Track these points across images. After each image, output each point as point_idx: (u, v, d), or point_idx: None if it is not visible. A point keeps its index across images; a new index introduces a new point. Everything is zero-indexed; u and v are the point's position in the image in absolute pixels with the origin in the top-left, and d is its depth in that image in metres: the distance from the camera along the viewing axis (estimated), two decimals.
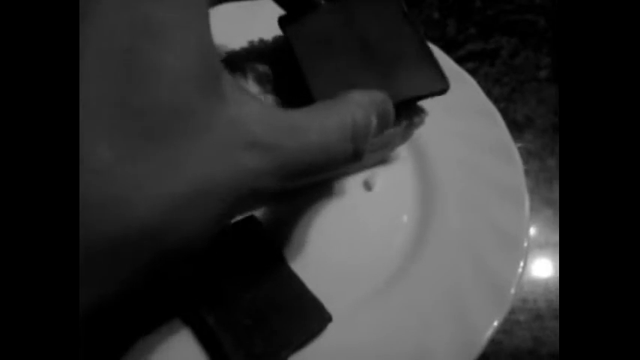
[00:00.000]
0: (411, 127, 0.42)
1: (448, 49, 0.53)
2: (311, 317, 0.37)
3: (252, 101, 0.23)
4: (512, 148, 0.47)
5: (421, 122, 0.42)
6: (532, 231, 0.47)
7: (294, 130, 0.23)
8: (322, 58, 0.37)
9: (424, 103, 0.40)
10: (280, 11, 0.38)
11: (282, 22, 0.39)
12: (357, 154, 0.27)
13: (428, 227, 0.44)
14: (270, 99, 0.38)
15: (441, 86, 0.37)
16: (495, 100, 0.51)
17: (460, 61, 0.53)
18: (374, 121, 0.28)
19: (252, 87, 0.38)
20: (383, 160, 0.48)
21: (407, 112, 0.41)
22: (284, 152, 0.23)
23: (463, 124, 0.49)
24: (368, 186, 0.46)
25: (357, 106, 0.27)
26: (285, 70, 0.39)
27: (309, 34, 0.37)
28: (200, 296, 0.36)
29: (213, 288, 0.37)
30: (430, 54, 0.38)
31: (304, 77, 0.36)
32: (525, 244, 0.41)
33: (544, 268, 0.45)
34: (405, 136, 0.44)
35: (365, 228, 0.44)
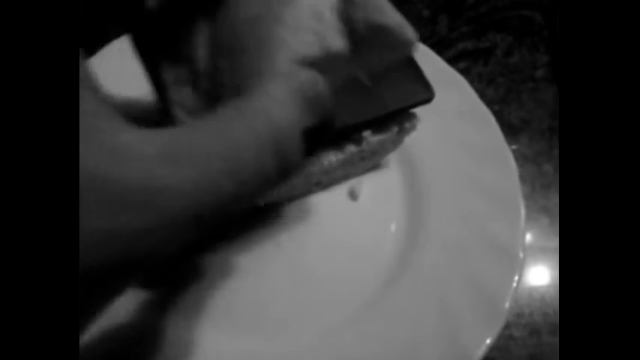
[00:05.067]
0: (403, 133, 0.43)
1: (439, 49, 0.55)
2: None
3: (112, 128, 0.17)
4: (506, 153, 0.48)
5: (413, 128, 0.43)
6: (528, 240, 0.48)
7: (184, 162, 0.18)
8: None
9: (415, 108, 0.42)
10: None
11: None
12: (285, 171, 0.21)
13: (417, 238, 0.45)
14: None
15: (425, 96, 0.39)
16: (489, 102, 0.52)
17: (451, 61, 0.55)
18: (301, 116, 0.22)
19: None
20: (372, 168, 0.49)
21: (397, 118, 0.42)
22: (169, 195, 0.17)
23: (454, 128, 0.50)
24: (353, 195, 0.48)
25: (273, 106, 0.21)
26: None
27: None
28: None
29: None
30: (411, 59, 0.39)
31: None
32: (521, 255, 0.42)
33: (540, 279, 0.47)
34: (396, 143, 0.45)
35: (350, 241, 0.45)
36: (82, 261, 0.16)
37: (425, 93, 0.39)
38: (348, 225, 0.46)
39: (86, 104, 0.17)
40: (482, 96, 0.52)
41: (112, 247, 0.16)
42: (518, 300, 0.45)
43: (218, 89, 0.28)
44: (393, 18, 0.30)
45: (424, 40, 0.54)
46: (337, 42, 0.29)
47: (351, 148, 0.42)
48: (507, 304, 0.40)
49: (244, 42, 0.28)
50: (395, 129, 0.42)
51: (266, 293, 0.42)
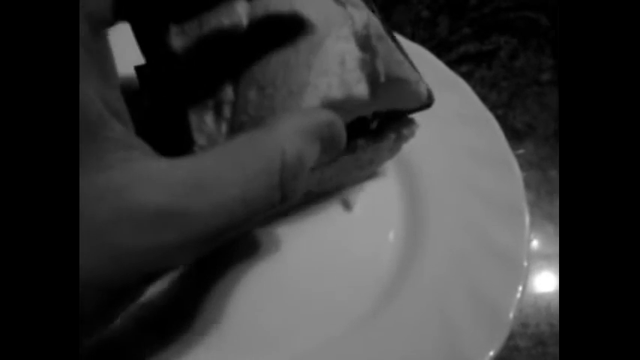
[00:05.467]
0: (400, 140, 0.42)
1: (439, 52, 0.54)
2: None
3: (142, 158, 0.21)
4: (510, 158, 0.47)
5: (411, 135, 0.42)
6: (533, 248, 0.47)
7: (203, 187, 0.21)
8: None
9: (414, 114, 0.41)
10: None
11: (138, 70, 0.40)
12: (287, 198, 0.24)
13: (416, 248, 0.44)
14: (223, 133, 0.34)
15: (423, 101, 0.38)
16: (492, 107, 0.51)
17: (453, 64, 0.54)
18: (313, 152, 0.25)
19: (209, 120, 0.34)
20: (367, 176, 0.48)
21: (395, 124, 0.41)
22: (191, 218, 0.20)
23: (455, 133, 0.49)
24: (348, 205, 0.47)
25: (288, 140, 0.24)
26: None
27: None
28: None
29: None
30: (410, 64, 0.38)
31: None
32: (525, 264, 0.41)
33: (546, 288, 0.46)
34: (393, 150, 0.44)
35: (346, 252, 0.44)
36: (114, 277, 0.19)
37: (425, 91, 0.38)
38: (343, 236, 0.45)
39: (120, 135, 0.21)
40: (486, 100, 0.51)
41: (141, 262, 0.20)
42: (522, 309, 0.44)
43: (241, 117, 0.32)
44: (411, 72, 0.35)
45: (424, 42, 0.53)
46: (359, 88, 0.33)
47: (345, 157, 0.41)
48: (511, 315, 0.39)
49: (275, 80, 0.31)
50: (392, 136, 0.41)
51: (259, 308, 0.41)
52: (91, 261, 0.19)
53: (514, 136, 0.54)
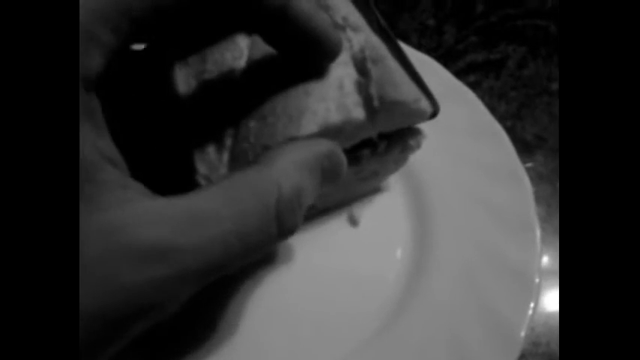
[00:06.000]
0: (406, 151, 0.42)
1: (445, 61, 0.53)
2: None
3: (138, 198, 0.22)
4: (520, 171, 0.46)
5: (417, 146, 0.42)
6: (544, 264, 0.46)
7: (198, 223, 0.22)
8: None
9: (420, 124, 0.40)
10: None
11: None
12: (285, 233, 0.24)
13: (424, 265, 0.43)
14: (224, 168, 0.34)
15: (426, 117, 0.37)
16: (501, 118, 0.50)
17: (460, 74, 0.53)
18: (314, 185, 0.26)
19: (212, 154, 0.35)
20: (372, 191, 0.47)
21: (400, 135, 0.40)
22: (186, 253, 0.21)
23: (463, 145, 0.48)
24: (353, 221, 0.46)
25: (285, 174, 0.24)
26: None
27: None
28: None
29: None
30: (414, 72, 0.38)
31: None
32: (537, 280, 0.41)
33: (557, 306, 0.45)
34: (399, 162, 0.44)
35: (352, 269, 0.43)
36: (110, 309, 0.20)
37: (431, 107, 0.37)
38: (349, 253, 0.44)
39: (115, 178, 0.22)
40: (494, 111, 0.50)
41: (137, 295, 0.20)
42: (534, 328, 0.43)
43: (242, 145, 0.32)
44: (408, 93, 0.35)
45: (430, 51, 0.53)
46: (357, 111, 0.33)
47: (349, 169, 0.40)
48: (523, 333, 0.38)
49: (275, 108, 0.32)
50: (397, 149, 0.41)
51: (263, 327, 0.40)
52: (89, 294, 0.19)
53: (524, 148, 0.53)
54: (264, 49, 0.34)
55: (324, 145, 0.27)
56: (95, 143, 0.22)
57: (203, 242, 0.21)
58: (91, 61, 0.23)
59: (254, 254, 0.24)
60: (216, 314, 0.40)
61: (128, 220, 0.20)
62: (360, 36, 0.36)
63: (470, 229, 0.44)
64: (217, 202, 0.23)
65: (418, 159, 0.44)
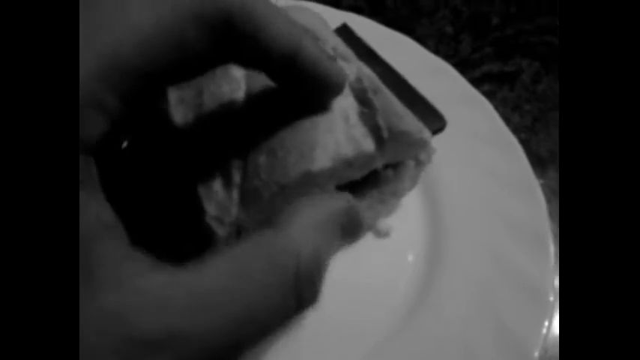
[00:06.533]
0: (420, 166, 0.41)
1: (461, 69, 0.52)
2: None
3: (138, 272, 0.20)
4: (534, 186, 0.46)
5: (428, 159, 0.41)
6: (559, 282, 0.44)
7: (206, 306, 0.19)
8: None
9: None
10: None
11: None
12: (305, 305, 0.22)
13: (437, 278, 0.42)
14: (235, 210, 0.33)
15: (436, 125, 0.38)
16: (515, 130, 0.49)
17: (475, 83, 0.52)
18: (333, 245, 0.24)
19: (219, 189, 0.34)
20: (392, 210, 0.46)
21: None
22: (192, 342, 0.19)
23: (479, 156, 0.47)
24: (379, 233, 0.44)
25: (303, 239, 0.22)
26: None
27: None
28: None
29: None
30: (415, 93, 0.38)
31: None
32: (551, 298, 0.40)
33: None
34: (414, 178, 0.43)
35: (363, 280, 0.42)
36: None
37: (436, 122, 0.39)
38: (361, 263, 0.43)
39: (113, 248, 0.20)
40: (507, 123, 0.49)
41: None
42: (548, 349, 0.41)
43: (253, 182, 0.32)
44: (412, 124, 0.35)
45: (446, 58, 0.52)
46: (367, 143, 0.34)
47: (370, 191, 0.40)
48: (537, 354, 0.38)
49: (283, 142, 0.32)
50: (411, 164, 0.40)
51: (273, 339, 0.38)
52: None
53: (537, 163, 0.52)
54: (261, 80, 0.33)
55: (342, 200, 0.25)
56: (93, 211, 0.21)
57: (211, 327, 0.19)
58: (95, 128, 0.22)
59: (269, 334, 0.21)
60: None
61: (127, 306, 0.19)
62: (352, 66, 0.36)
63: (483, 243, 0.43)
64: (227, 277, 0.20)
65: (434, 167, 0.43)
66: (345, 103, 0.34)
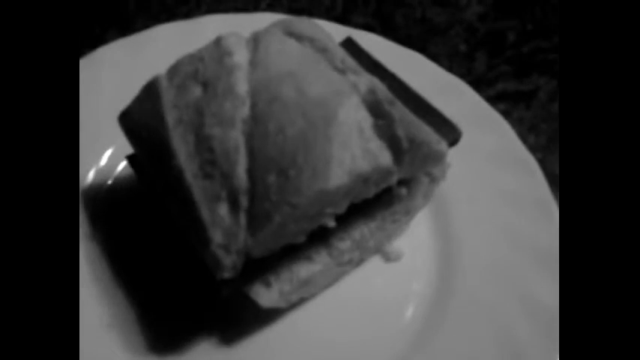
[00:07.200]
0: (433, 182, 0.41)
1: (476, 88, 0.52)
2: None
3: None
4: (551, 205, 0.45)
5: (442, 175, 0.41)
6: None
7: None
8: None
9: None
10: None
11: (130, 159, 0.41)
12: None
13: (448, 300, 0.41)
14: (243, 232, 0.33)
15: (452, 137, 0.38)
16: (531, 149, 0.48)
17: (490, 101, 0.51)
18: None
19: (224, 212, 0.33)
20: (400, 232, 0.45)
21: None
22: None
23: (494, 174, 0.47)
24: (388, 257, 0.44)
25: None
26: None
27: None
28: None
29: None
30: (429, 106, 0.38)
31: None
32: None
33: None
34: (427, 195, 0.42)
35: (368, 304, 0.42)
36: None
37: (451, 133, 0.38)
38: (372, 284, 0.43)
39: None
40: (524, 142, 0.49)
41: None
42: None
43: (263, 205, 0.31)
44: (430, 133, 0.35)
45: (461, 77, 0.51)
46: (384, 156, 0.33)
47: (382, 212, 0.40)
48: None
49: (296, 159, 0.31)
50: (425, 180, 0.40)
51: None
52: None
53: (554, 183, 0.50)
54: (268, 94, 0.33)
55: None
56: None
57: None
58: None
59: None
60: (228, 340, 0.39)
61: None
62: (362, 79, 0.36)
63: (496, 264, 0.43)
64: None
65: (447, 184, 0.43)
66: (357, 116, 0.34)
